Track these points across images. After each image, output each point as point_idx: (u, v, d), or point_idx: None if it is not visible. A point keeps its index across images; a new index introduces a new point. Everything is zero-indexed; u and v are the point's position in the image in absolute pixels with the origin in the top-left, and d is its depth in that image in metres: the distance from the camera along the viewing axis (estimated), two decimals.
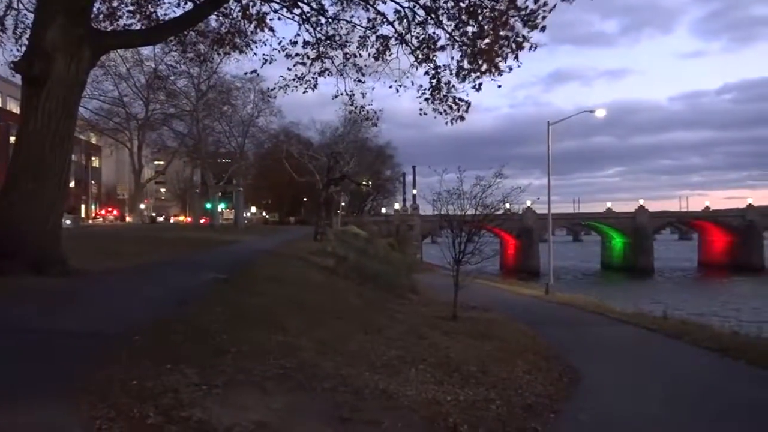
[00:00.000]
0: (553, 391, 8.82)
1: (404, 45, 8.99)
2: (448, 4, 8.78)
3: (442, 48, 8.82)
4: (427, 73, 8.74)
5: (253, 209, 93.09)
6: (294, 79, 9.39)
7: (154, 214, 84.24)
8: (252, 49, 9.84)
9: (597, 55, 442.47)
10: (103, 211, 75.06)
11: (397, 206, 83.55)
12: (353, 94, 9.63)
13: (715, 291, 54.86)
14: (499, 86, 8.66)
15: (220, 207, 67.79)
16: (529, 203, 53.45)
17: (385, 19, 9.03)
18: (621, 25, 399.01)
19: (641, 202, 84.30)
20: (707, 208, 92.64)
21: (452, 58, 8.94)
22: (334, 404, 6.17)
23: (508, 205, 17.92)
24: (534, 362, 10.66)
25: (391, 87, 9.29)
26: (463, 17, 8.65)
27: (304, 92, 9.72)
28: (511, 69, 8.55)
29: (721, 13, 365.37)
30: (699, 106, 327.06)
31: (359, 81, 9.43)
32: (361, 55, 9.39)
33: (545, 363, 10.75)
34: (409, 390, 7.38)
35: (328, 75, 9.57)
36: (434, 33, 8.93)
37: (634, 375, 10.69)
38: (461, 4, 8.57)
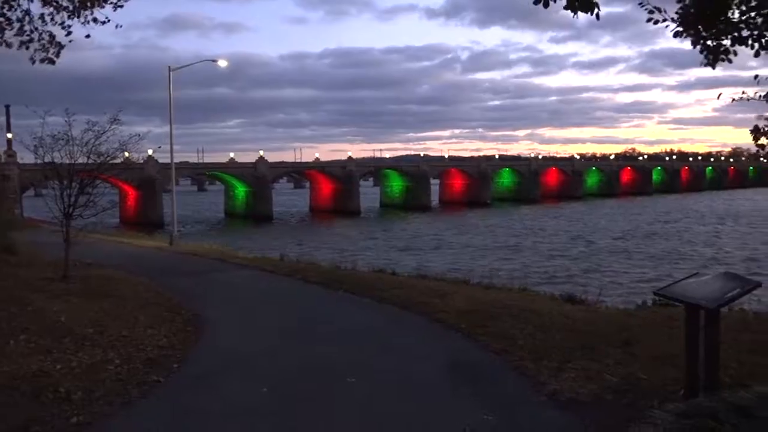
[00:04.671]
0: (177, 342, 8.87)
1: None
2: None
3: None
4: None
5: None
6: None
7: None
8: None
9: (212, 7, 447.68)
10: None
11: None
12: None
13: (322, 233, 62.54)
14: (106, 22, 7.77)
15: None
16: (150, 152, 51.13)
17: None
18: None
19: (261, 153, 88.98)
20: (317, 159, 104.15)
21: None
22: None
23: (126, 154, 16.79)
24: (157, 315, 10.47)
25: None
26: None
27: None
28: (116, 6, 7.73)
29: None
30: (305, 67, 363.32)
31: None
32: None
33: (169, 314, 10.67)
34: (6, 366, 6.45)
35: None
36: None
37: (254, 314, 11.49)
38: None
